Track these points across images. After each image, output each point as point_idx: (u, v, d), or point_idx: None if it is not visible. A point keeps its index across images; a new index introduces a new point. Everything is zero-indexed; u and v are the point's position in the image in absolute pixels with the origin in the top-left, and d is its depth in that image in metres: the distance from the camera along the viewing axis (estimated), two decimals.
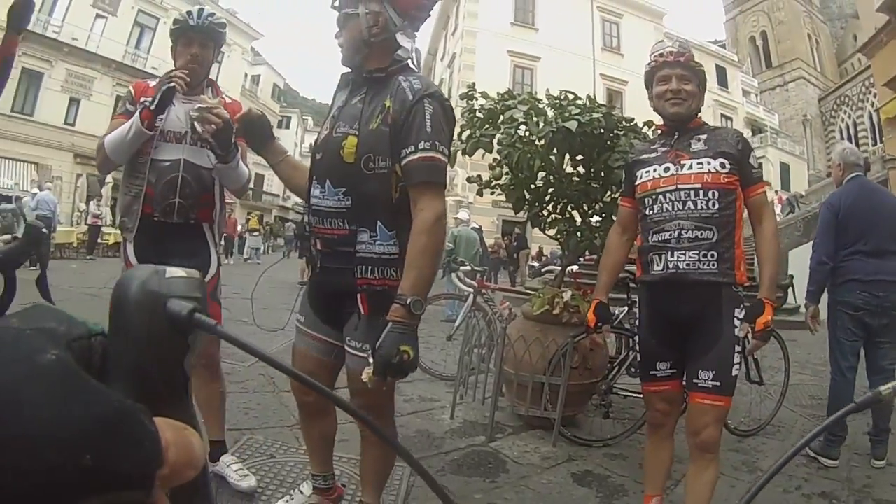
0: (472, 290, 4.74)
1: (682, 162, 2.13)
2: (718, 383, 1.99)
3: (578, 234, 3.97)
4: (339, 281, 1.75)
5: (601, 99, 15.81)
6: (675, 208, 2.10)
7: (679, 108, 2.15)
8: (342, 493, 2.23)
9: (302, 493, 2.21)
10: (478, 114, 3.78)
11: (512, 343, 3.51)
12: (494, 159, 3.80)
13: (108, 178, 20.04)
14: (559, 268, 5.00)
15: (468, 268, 5.06)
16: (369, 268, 1.69)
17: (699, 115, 2.22)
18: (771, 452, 3.38)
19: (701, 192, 2.07)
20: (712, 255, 2.03)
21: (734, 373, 2.01)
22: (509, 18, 25.50)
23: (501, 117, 3.65)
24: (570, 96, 3.81)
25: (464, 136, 3.77)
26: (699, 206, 2.07)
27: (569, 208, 3.96)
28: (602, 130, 3.57)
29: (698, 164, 2.10)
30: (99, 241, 16.20)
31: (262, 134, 1.97)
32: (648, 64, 2.23)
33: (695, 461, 2.09)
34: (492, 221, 20.04)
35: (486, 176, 4.03)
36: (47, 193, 12.83)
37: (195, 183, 2.33)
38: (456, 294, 5.41)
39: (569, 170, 3.80)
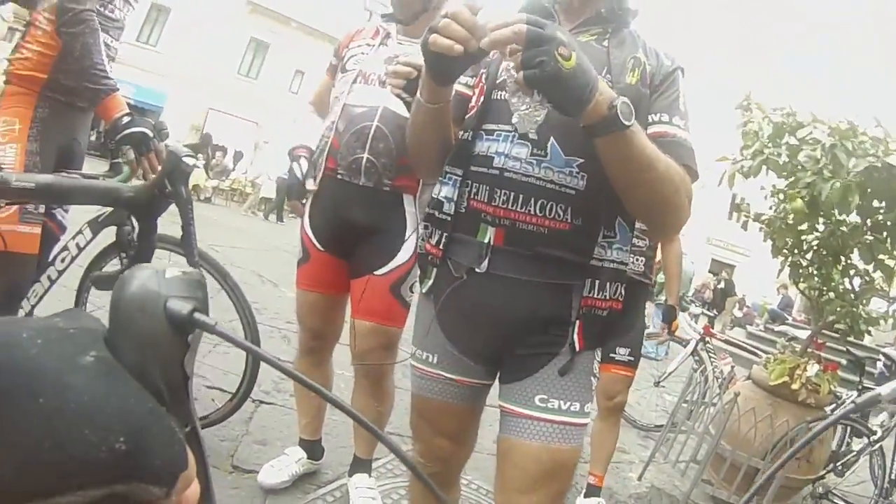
0: (696, 336, 4.01)
1: None
2: None
3: (831, 294, 3.19)
4: (529, 302, 1.15)
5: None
6: None
7: None
8: None
9: None
10: (765, 127, 3.04)
11: (740, 415, 2.90)
12: (783, 189, 3.08)
13: None
14: (789, 326, 4.13)
15: (698, 310, 4.26)
16: (598, 282, 1.14)
17: None
18: None
19: None
20: None
21: None
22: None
23: (795, 138, 2.93)
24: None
25: (746, 153, 3.05)
26: None
27: (828, 260, 3.16)
28: None
29: None
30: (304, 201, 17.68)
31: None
32: None
33: None
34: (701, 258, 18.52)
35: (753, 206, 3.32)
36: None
37: (393, 137, 1.77)
38: (675, 337, 4.26)
39: (852, 217, 2.99)
